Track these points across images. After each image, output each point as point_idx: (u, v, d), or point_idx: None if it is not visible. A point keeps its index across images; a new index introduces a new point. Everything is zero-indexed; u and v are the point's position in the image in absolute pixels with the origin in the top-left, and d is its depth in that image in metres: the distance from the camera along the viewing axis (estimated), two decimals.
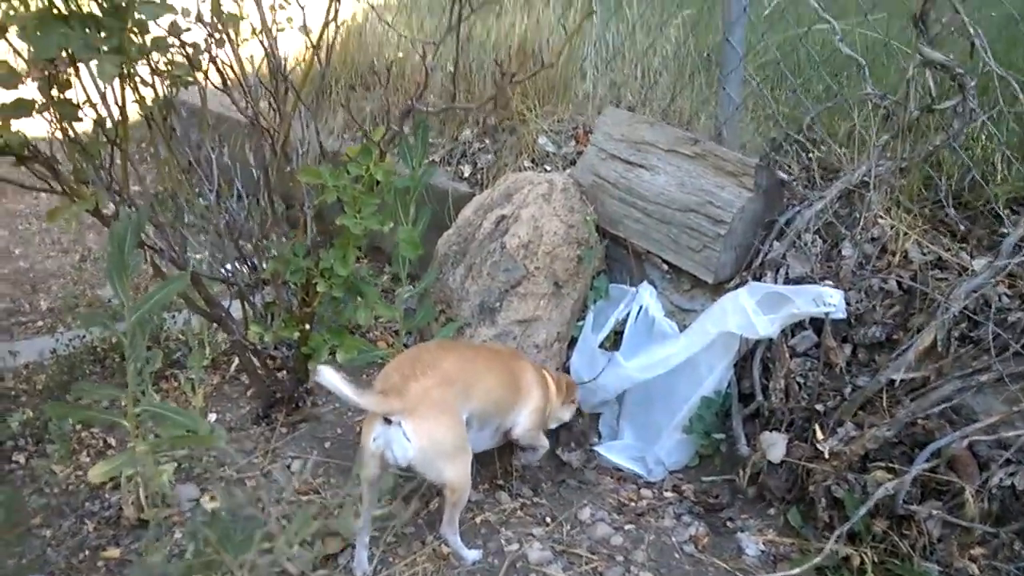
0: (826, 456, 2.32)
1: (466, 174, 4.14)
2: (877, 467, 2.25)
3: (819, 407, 2.47)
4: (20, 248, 5.15)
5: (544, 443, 2.72)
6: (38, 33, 2.03)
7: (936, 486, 2.20)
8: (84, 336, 3.56)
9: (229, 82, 2.66)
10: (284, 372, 3.20)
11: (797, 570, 2.16)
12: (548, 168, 3.73)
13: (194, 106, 2.98)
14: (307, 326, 2.83)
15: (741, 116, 3.43)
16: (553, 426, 2.82)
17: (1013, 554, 2.09)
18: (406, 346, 2.86)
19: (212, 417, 3.14)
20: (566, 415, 2.83)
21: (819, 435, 2.38)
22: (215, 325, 3.26)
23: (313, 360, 2.86)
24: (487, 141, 4.24)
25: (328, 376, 2.01)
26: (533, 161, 3.84)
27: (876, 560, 2.16)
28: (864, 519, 2.20)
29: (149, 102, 2.66)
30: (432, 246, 3.36)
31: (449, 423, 2.27)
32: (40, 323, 4.06)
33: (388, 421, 2.18)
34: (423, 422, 2.19)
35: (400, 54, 4.64)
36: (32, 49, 2.08)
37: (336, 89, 4.95)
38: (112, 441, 2.98)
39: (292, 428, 3.03)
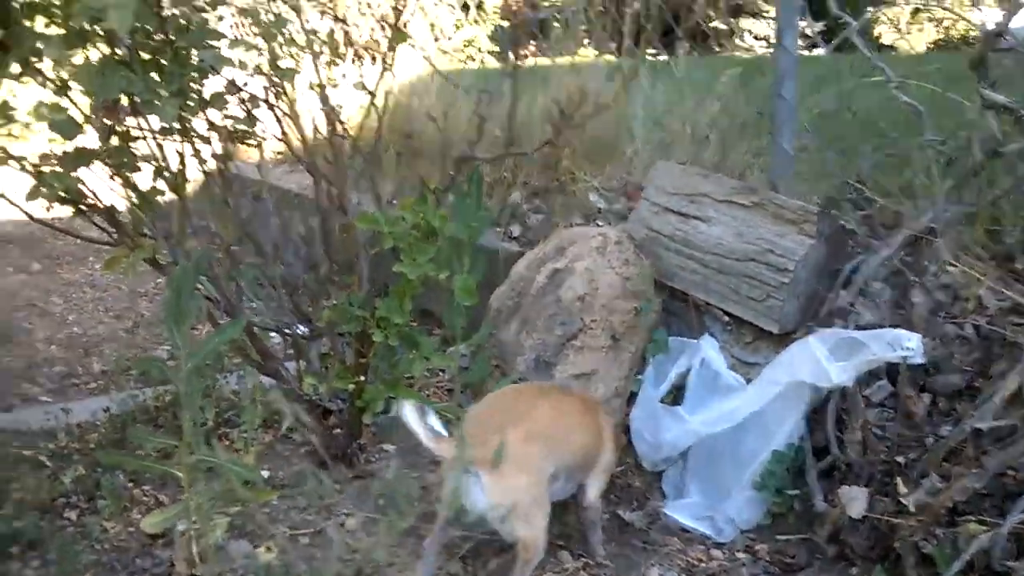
0: (911, 510, 2.19)
1: (516, 234, 4.14)
2: (967, 520, 2.12)
3: (900, 459, 2.35)
4: (74, 315, 5.23)
5: (596, 503, 2.62)
6: (101, 76, 2.06)
7: None
8: (137, 396, 3.57)
9: (286, 134, 2.69)
10: (337, 428, 3.15)
11: None
12: (600, 223, 3.71)
13: (246, 179, 3.04)
14: (362, 378, 2.79)
15: (795, 169, 3.40)
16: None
17: None
18: (460, 406, 2.80)
19: (264, 475, 3.09)
20: (613, 466, 2.73)
21: (902, 488, 2.26)
22: (266, 384, 3.26)
23: (368, 413, 2.82)
24: (536, 201, 4.25)
25: (409, 414, 1.96)
26: (584, 218, 3.83)
27: None
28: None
29: (207, 156, 2.71)
30: (484, 303, 3.32)
31: (528, 481, 2.21)
32: (93, 385, 4.08)
33: (468, 471, 2.11)
34: (501, 477, 2.13)
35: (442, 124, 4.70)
36: (95, 93, 2.12)
37: (384, 158, 5.02)
38: (164, 498, 2.94)
39: (345, 485, 2.97)
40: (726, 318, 3.00)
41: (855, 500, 2.33)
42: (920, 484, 2.25)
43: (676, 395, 2.96)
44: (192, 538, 2.51)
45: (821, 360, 2.42)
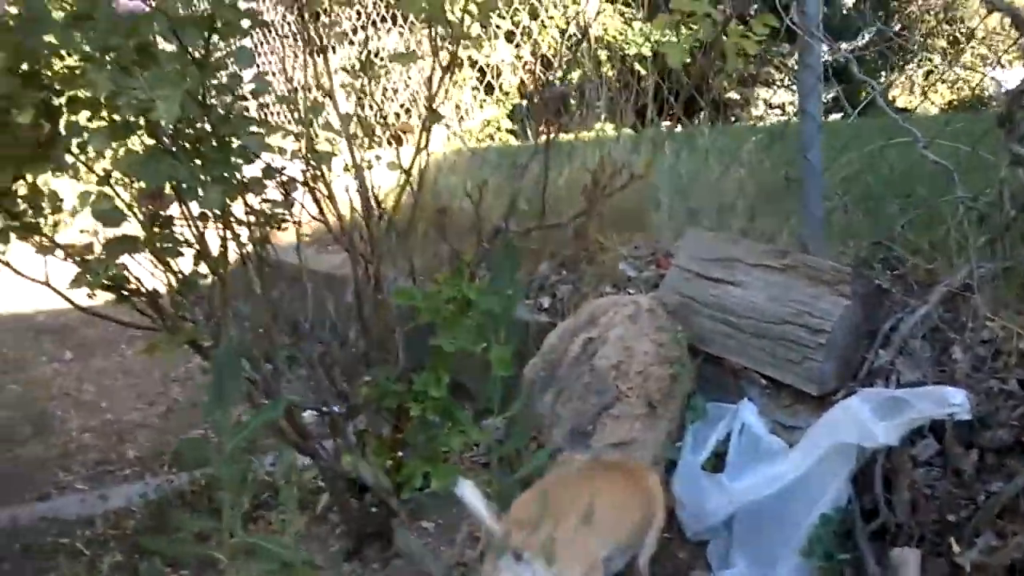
0: (967, 570, 2.14)
1: (545, 305, 4.15)
2: None
3: (951, 518, 2.30)
4: (107, 402, 5.29)
5: (647, 571, 2.58)
6: (149, 165, 2.13)
7: None
8: (173, 481, 3.58)
9: (323, 213, 2.75)
10: (374, 506, 3.13)
11: None
12: (631, 292, 3.72)
13: (281, 261, 3.13)
14: (399, 453, 2.79)
15: (825, 231, 3.41)
16: None
17: None
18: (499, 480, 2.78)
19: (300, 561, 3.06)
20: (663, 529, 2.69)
21: (956, 548, 2.21)
22: (301, 466, 3.26)
23: (405, 489, 2.80)
24: (564, 272, 4.28)
25: (469, 493, 1.95)
26: (614, 287, 3.84)
27: None
28: None
29: (244, 239, 2.77)
30: (517, 376, 3.32)
31: (583, 571, 2.18)
32: (128, 471, 4.10)
33: (519, 557, 2.08)
34: (559, 567, 2.09)
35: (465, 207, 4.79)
36: (145, 181, 2.19)
37: (412, 237, 5.11)
38: None
39: (384, 564, 2.93)
40: (764, 382, 2.97)
41: (907, 562, 2.27)
42: (974, 543, 2.19)
43: (717, 462, 2.92)
44: None
45: (866, 421, 2.38)
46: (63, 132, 2.30)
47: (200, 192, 2.20)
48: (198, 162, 2.21)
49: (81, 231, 2.51)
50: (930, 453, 2.48)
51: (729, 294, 3.09)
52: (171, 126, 2.18)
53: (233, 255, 2.78)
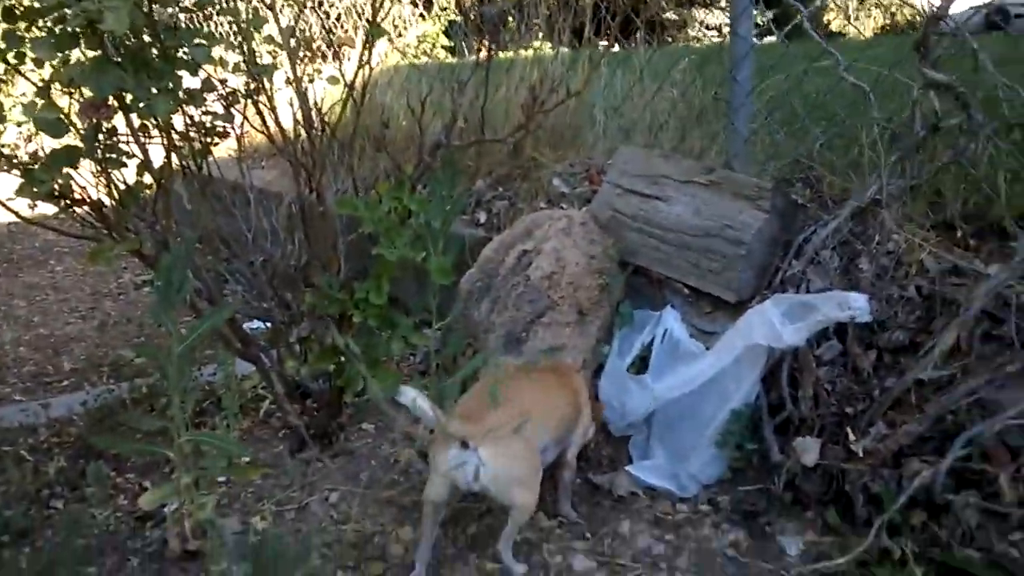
0: (860, 455, 2.37)
1: (482, 220, 4.26)
2: (911, 462, 2.30)
3: (849, 410, 2.53)
4: (39, 317, 5.26)
5: (574, 463, 2.78)
6: (96, 75, 2.15)
7: (971, 476, 2.25)
8: (113, 391, 3.63)
9: (266, 126, 2.79)
10: (317, 409, 3.25)
11: (841, 559, 2.21)
12: (564, 207, 3.84)
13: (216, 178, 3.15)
14: (342, 358, 2.90)
15: (750, 149, 3.57)
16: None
17: None
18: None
19: (246, 459, 3.18)
20: (591, 433, 2.88)
21: (851, 437, 2.44)
22: (241, 376, 3.35)
23: (347, 393, 2.93)
24: (501, 188, 4.38)
25: (412, 397, 2.08)
26: (548, 202, 3.96)
27: (916, 551, 2.19)
28: (902, 512, 2.24)
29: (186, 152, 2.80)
30: (454, 289, 3.44)
31: (525, 452, 2.37)
32: (65, 383, 4.13)
33: (465, 446, 2.25)
34: (500, 450, 2.28)
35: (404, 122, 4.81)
36: (94, 91, 2.21)
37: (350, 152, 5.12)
38: (148, 484, 3.01)
39: (327, 463, 3.08)
40: (686, 291, 3.15)
41: (808, 450, 2.51)
42: (868, 432, 2.43)
43: (641, 365, 3.11)
44: (183, 516, 2.61)
45: (775, 323, 2.58)
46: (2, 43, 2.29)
47: (146, 104, 2.23)
48: (144, 74, 2.23)
49: (14, 142, 2.52)
50: (833, 354, 2.70)
51: (657, 209, 3.24)
52: (116, 37, 2.19)
53: (175, 167, 2.81)
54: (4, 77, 2.39)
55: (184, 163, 2.83)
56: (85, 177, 2.65)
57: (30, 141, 2.69)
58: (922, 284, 2.65)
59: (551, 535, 2.62)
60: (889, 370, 2.58)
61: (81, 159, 2.47)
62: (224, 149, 3.33)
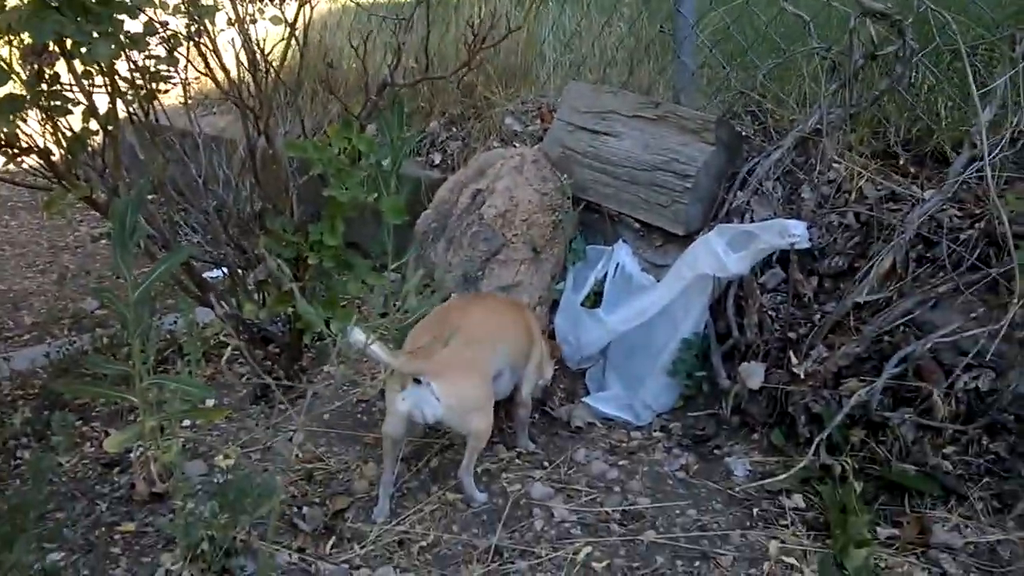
0: (802, 377, 2.48)
1: (436, 162, 4.27)
2: (850, 382, 2.41)
3: (792, 335, 2.63)
4: None
5: (529, 400, 2.84)
6: (33, 21, 2.13)
7: (906, 394, 2.37)
8: (75, 343, 3.64)
9: (211, 69, 2.77)
10: (278, 352, 3.29)
11: (783, 475, 2.32)
12: (516, 146, 3.87)
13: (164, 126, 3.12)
14: None
15: (697, 82, 3.60)
16: (541, 384, 2.92)
17: (982, 449, 2.27)
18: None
19: (210, 403, 3.22)
20: (549, 373, 2.94)
21: (794, 360, 2.54)
22: (202, 325, 3.37)
23: (306, 335, 2.97)
24: (454, 129, 4.38)
25: (360, 337, 2.11)
26: (501, 141, 3.98)
27: (856, 467, 2.31)
28: (841, 430, 2.36)
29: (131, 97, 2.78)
30: (409, 230, 3.48)
31: (476, 381, 2.43)
32: (27, 337, 4.11)
33: (418, 381, 2.31)
34: (452, 382, 2.34)
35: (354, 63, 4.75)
36: (28, 38, 2.18)
37: (300, 95, 5.07)
38: (113, 431, 3.04)
39: (289, 405, 3.12)
40: (637, 225, 3.21)
41: (753, 374, 2.62)
42: (809, 355, 2.53)
43: (595, 299, 3.19)
44: (149, 460, 2.65)
45: (719, 253, 2.66)
46: None
47: (87, 48, 2.21)
48: (83, 18, 2.20)
49: None
50: (777, 281, 2.79)
51: (606, 145, 3.28)
52: None
53: (122, 114, 2.79)
54: None
55: (131, 110, 2.80)
56: (32, 126, 2.63)
57: None
58: (860, 211, 2.74)
59: (510, 465, 2.72)
60: (829, 295, 2.68)
61: (26, 107, 2.44)
62: (174, 96, 3.29)
